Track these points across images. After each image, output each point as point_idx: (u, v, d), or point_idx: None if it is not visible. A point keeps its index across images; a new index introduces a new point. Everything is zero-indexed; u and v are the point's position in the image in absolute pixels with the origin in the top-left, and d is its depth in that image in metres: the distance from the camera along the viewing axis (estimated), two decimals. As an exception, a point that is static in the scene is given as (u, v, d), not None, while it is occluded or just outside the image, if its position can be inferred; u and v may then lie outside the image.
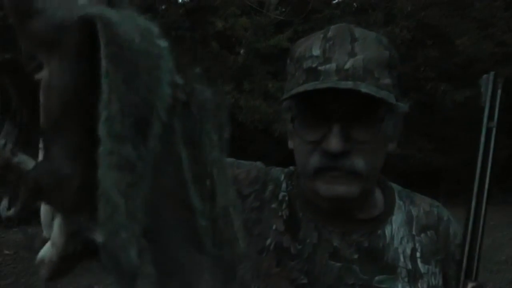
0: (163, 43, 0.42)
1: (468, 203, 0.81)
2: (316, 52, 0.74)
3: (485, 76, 0.85)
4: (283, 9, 12.67)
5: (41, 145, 0.49)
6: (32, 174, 0.42)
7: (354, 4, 14.31)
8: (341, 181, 0.75)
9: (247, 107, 10.78)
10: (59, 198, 0.42)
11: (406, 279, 0.80)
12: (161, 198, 0.41)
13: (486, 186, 0.81)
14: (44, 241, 0.46)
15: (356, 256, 0.80)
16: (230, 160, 0.87)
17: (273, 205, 0.83)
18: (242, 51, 11.91)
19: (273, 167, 0.91)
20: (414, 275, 0.80)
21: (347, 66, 0.71)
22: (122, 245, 0.37)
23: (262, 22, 11.58)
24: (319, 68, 0.72)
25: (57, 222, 0.43)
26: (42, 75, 0.44)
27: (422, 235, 0.84)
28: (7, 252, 6.35)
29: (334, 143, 0.72)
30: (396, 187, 0.91)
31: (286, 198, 0.84)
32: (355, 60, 0.71)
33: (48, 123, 0.42)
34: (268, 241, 0.80)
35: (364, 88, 0.69)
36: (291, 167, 0.89)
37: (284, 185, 0.86)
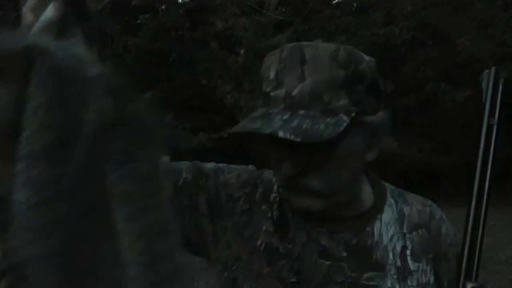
0: (95, 70, 0.45)
1: (468, 202, 0.79)
2: (272, 74, 0.73)
3: (486, 71, 0.82)
4: (283, 9, 12.66)
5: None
6: None
7: (354, 4, 14.31)
8: (305, 196, 0.77)
9: (247, 107, 10.76)
10: None
11: (395, 276, 0.80)
12: (84, 215, 0.43)
13: (487, 185, 0.79)
14: None
15: (344, 254, 0.80)
16: (221, 165, 0.90)
17: (263, 207, 0.84)
18: (242, 51, 11.91)
19: (266, 170, 0.91)
20: (403, 272, 0.81)
21: (295, 92, 0.70)
22: (32, 258, 0.39)
23: (262, 22, 11.57)
24: (271, 94, 0.72)
25: None
26: None
27: (414, 233, 0.84)
28: (7, 252, 6.35)
29: (285, 168, 0.74)
30: (389, 186, 0.90)
31: (277, 199, 0.85)
32: (304, 85, 0.70)
33: None
34: (259, 242, 0.82)
35: (283, 131, 0.67)
36: None
37: (275, 186, 0.87)
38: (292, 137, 0.67)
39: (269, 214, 0.84)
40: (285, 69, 0.72)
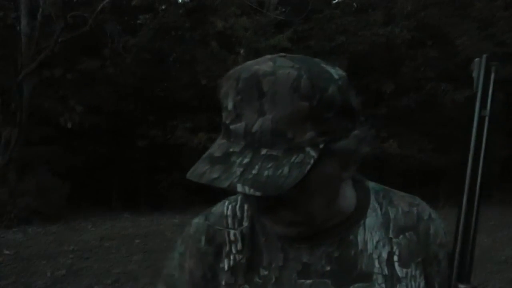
0: None
1: (459, 200, 0.74)
2: (230, 105, 0.66)
3: (476, 59, 0.76)
4: (283, 9, 12.66)
5: None
6: None
7: (354, 4, 14.31)
8: (279, 224, 0.73)
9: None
10: None
11: (383, 285, 0.76)
12: None
13: (478, 182, 0.73)
14: None
15: (328, 268, 0.77)
16: (177, 254, 0.86)
17: (221, 264, 0.81)
18: (242, 51, 11.90)
19: (213, 209, 0.86)
20: (391, 280, 0.77)
21: (255, 128, 0.64)
22: None
23: (262, 22, 11.57)
24: (231, 127, 0.66)
25: None
26: None
27: (401, 237, 0.80)
28: (7, 252, 6.34)
29: (252, 203, 0.71)
30: (374, 187, 0.85)
31: (236, 235, 0.82)
32: (264, 120, 0.63)
33: None
34: None
35: (241, 184, 0.62)
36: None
37: (230, 220, 0.83)
38: (252, 192, 0.61)
39: (222, 264, 0.80)
40: (242, 102, 0.65)
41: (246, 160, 0.64)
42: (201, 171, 0.65)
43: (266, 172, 0.62)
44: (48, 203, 8.94)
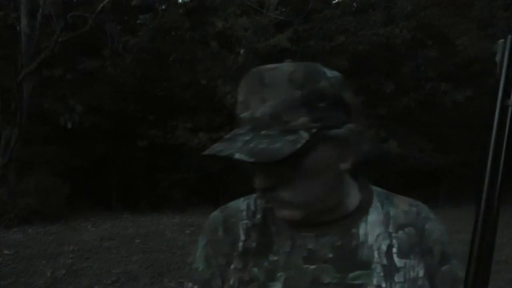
0: None
1: (478, 199, 0.67)
2: (241, 98, 0.79)
3: (501, 41, 0.69)
4: (283, 9, 12.66)
5: None
6: None
7: (354, 4, 14.30)
8: (282, 207, 0.81)
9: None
10: None
11: (381, 274, 0.82)
12: None
13: (499, 181, 0.66)
14: None
15: (330, 256, 0.83)
16: (198, 259, 0.92)
17: (235, 253, 0.88)
18: (242, 51, 11.90)
19: (231, 204, 0.95)
20: (389, 270, 0.82)
21: (258, 114, 0.75)
22: None
23: (262, 22, 11.57)
24: (241, 115, 0.78)
25: None
26: None
27: (400, 232, 0.86)
28: (7, 252, 6.35)
29: (256, 182, 0.79)
30: (376, 189, 0.92)
31: (249, 225, 0.90)
32: (265, 107, 0.75)
33: None
34: (231, 281, 0.87)
35: (239, 153, 0.72)
36: None
37: (244, 213, 0.92)
38: (246, 158, 0.71)
39: (236, 252, 0.88)
40: (250, 93, 0.77)
41: (247, 138, 0.75)
42: (212, 147, 0.77)
43: (261, 146, 0.73)
44: (48, 203, 8.94)
